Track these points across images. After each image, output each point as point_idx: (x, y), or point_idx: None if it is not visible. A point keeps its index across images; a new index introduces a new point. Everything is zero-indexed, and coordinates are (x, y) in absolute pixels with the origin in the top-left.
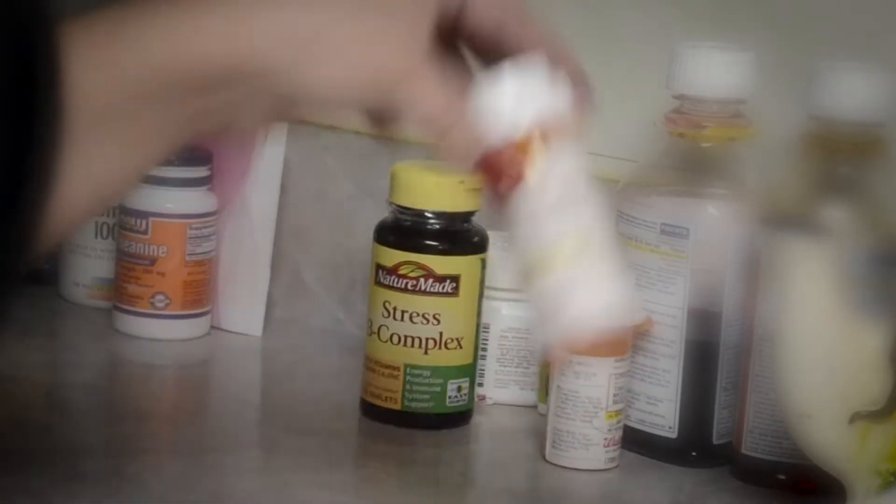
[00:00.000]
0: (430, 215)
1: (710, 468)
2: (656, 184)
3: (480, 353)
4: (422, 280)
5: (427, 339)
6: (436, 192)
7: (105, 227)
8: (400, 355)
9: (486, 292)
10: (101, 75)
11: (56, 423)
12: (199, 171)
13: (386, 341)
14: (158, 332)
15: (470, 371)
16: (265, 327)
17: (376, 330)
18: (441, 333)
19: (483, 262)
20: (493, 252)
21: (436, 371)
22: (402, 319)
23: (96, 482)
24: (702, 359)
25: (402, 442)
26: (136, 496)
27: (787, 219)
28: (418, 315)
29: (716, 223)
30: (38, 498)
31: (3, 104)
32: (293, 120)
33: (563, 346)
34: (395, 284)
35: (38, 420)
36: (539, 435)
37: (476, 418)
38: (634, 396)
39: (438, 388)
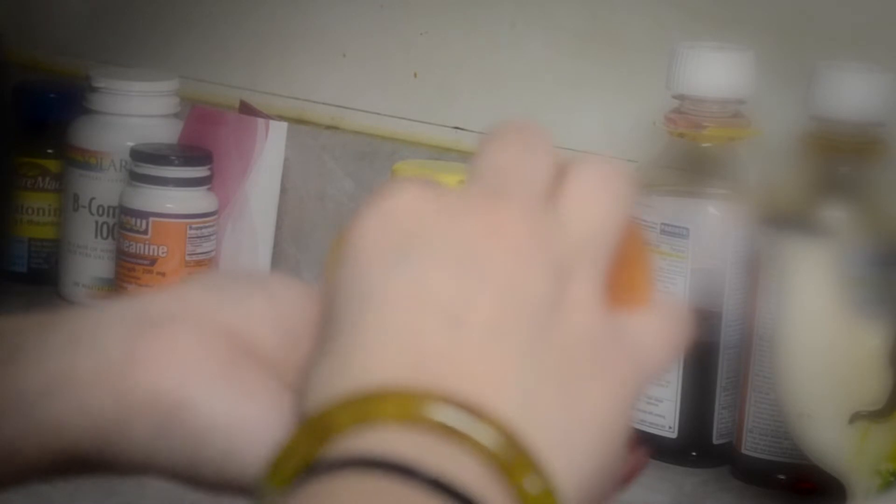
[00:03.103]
0: None
1: (710, 468)
2: (656, 184)
3: None
4: None
5: None
6: None
7: (105, 227)
8: None
9: None
10: None
11: None
12: (199, 171)
13: None
14: None
15: None
16: None
17: None
18: None
19: None
20: None
21: None
22: None
23: (96, 482)
24: (702, 359)
25: None
26: (136, 496)
27: (787, 219)
28: None
29: (716, 223)
30: (38, 498)
31: None
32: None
33: None
34: None
35: None
36: None
37: None
38: None
39: None
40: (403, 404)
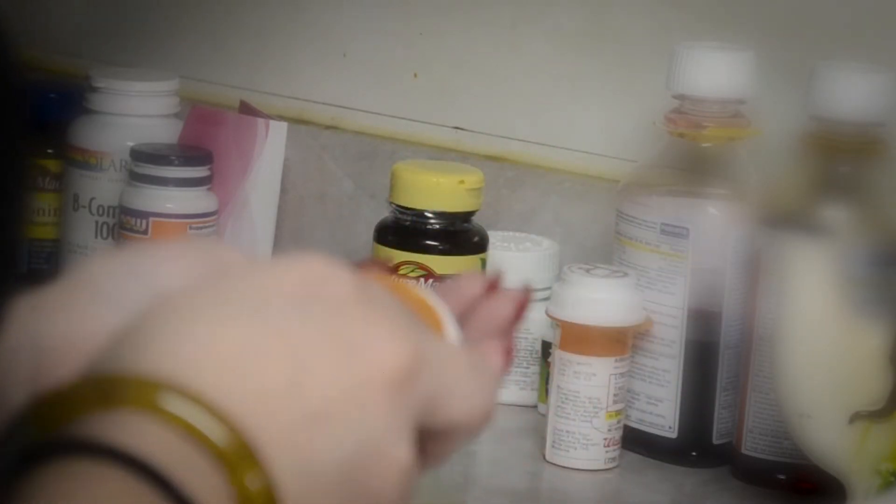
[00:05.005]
0: (430, 215)
1: (710, 468)
2: (656, 184)
3: None
4: (422, 280)
5: None
6: (436, 192)
7: (105, 227)
8: None
9: None
10: None
11: None
12: (199, 171)
13: None
14: None
15: None
16: None
17: None
18: None
19: (483, 262)
20: (493, 252)
21: None
22: None
23: None
24: (702, 359)
25: None
26: None
27: (787, 219)
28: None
29: (716, 223)
30: None
31: None
32: None
33: None
34: None
35: None
36: (539, 435)
37: None
38: (634, 396)
39: None
40: (143, 392)
